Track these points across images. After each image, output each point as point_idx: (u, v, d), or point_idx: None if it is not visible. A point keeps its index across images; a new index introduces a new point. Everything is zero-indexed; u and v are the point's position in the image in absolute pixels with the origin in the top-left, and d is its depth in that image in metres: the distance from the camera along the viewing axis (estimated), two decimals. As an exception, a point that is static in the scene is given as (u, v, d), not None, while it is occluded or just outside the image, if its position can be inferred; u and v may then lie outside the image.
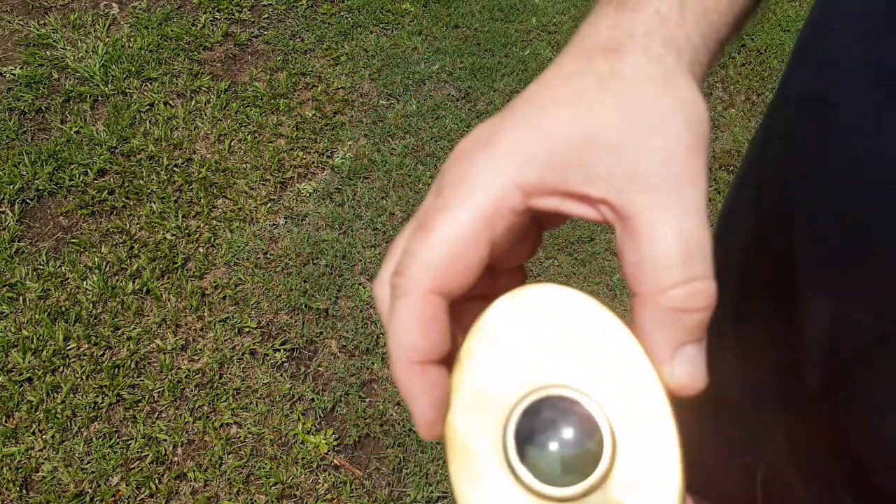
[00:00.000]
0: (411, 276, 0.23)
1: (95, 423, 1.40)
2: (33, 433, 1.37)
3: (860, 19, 0.31)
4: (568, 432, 0.23)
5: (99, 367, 1.46)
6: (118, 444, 1.37)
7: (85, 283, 1.58)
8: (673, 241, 0.23)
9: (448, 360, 0.25)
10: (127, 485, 1.32)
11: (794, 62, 0.37)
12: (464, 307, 0.26)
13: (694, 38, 0.27)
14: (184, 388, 1.46)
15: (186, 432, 1.40)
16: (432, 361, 0.24)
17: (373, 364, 1.52)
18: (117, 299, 1.56)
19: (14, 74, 1.96)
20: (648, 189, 0.23)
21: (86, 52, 2.04)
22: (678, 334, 0.23)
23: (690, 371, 0.23)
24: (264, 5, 2.28)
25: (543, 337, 0.24)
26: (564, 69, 0.26)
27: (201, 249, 1.67)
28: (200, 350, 1.51)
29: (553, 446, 0.23)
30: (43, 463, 1.33)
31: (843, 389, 0.30)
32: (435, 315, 0.23)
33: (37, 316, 1.51)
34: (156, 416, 1.42)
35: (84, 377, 1.44)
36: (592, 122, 0.24)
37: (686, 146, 0.24)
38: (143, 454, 1.36)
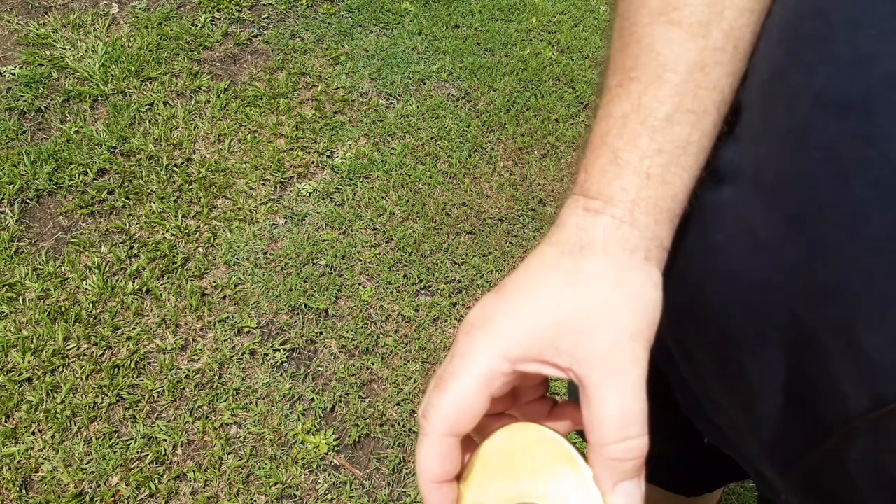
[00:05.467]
0: (432, 423, 0.33)
1: (95, 423, 1.40)
2: (33, 433, 1.37)
3: (890, 13, 0.29)
4: None
5: (99, 367, 1.46)
6: (118, 444, 1.37)
7: (85, 283, 1.57)
8: (614, 410, 0.31)
9: (460, 475, 0.35)
10: (127, 485, 1.32)
11: (783, 59, 0.34)
12: (486, 421, 0.35)
13: (647, 233, 0.34)
14: (183, 388, 1.45)
15: (186, 432, 1.40)
16: (445, 481, 0.34)
17: (373, 364, 1.52)
18: (117, 299, 1.56)
19: (14, 74, 1.96)
20: (598, 367, 0.31)
21: (85, 51, 2.03)
22: (616, 475, 0.32)
23: (626, 502, 0.32)
24: (264, 5, 2.28)
25: (523, 464, 0.34)
26: (545, 259, 0.34)
27: (201, 249, 1.67)
28: (200, 350, 1.51)
29: None
30: (43, 463, 1.33)
31: None
32: (448, 451, 0.33)
33: (36, 316, 1.51)
34: (155, 416, 1.42)
35: (84, 377, 1.44)
36: (560, 313, 0.32)
37: (630, 335, 0.32)
38: (142, 454, 1.36)
